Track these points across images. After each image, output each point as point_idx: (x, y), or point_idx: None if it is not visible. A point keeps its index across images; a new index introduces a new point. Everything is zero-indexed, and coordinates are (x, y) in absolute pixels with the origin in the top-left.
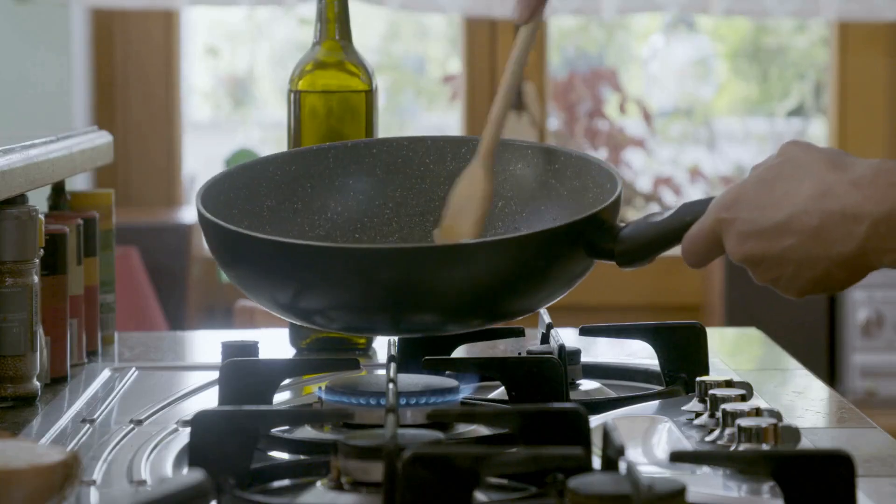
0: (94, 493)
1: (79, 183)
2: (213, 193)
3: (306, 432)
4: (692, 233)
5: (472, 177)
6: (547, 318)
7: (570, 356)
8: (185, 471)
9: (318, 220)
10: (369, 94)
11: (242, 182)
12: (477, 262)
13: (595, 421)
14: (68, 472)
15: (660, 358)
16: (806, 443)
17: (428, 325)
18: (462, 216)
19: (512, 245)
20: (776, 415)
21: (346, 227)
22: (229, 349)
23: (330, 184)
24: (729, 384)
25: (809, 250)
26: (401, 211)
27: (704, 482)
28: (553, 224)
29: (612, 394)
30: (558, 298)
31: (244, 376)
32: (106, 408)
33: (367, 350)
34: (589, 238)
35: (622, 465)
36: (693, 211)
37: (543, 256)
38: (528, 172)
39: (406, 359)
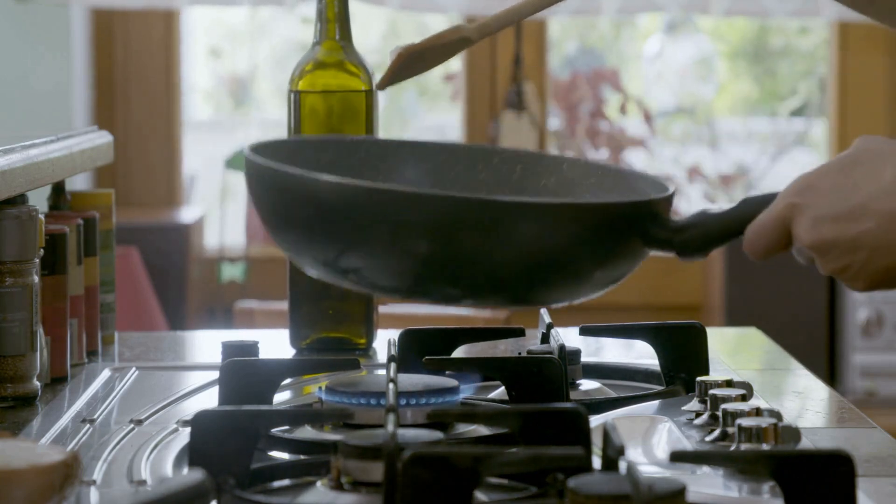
0: (94, 493)
1: (79, 183)
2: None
3: (306, 432)
4: (759, 221)
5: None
6: (547, 318)
7: (570, 356)
8: (185, 471)
9: None
10: (369, 94)
11: (283, 156)
12: (527, 223)
13: (595, 421)
14: (68, 472)
15: (660, 358)
16: (806, 443)
17: (460, 294)
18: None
19: (567, 211)
20: (776, 415)
21: None
22: (229, 349)
23: (358, 178)
24: (729, 384)
25: (888, 234)
26: None
27: (704, 482)
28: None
29: (612, 394)
30: (600, 293)
31: (244, 376)
32: (106, 408)
33: (367, 350)
34: (645, 227)
35: (622, 465)
36: (756, 203)
37: (599, 231)
38: (561, 187)
39: (406, 359)
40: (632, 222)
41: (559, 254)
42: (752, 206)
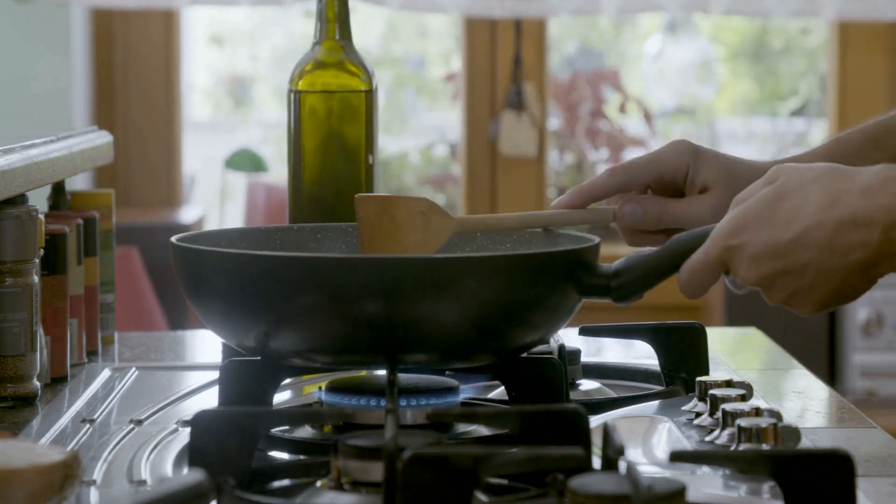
0: (94, 493)
1: (79, 183)
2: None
3: (306, 432)
4: (695, 263)
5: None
6: None
7: (570, 356)
8: (185, 471)
9: None
10: (369, 94)
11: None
12: (464, 277)
13: (595, 421)
14: (68, 472)
15: (660, 358)
16: (806, 443)
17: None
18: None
19: (500, 263)
20: (776, 415)
21: None
22: (229, 349)
23: None
24: (729, 384)
25: (826, 262)
26: None
27: (704, 482)
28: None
29: (612, 394)
30: (534, 338)
31: (244, 376)
32: (106, 408)
33: None
34: (578, 276)
35: (622, 465)
36: (687, 240)
37: (531, 282)
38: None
39: None
40: (566, 271)
41: (498, 306)
42: (684, 244)
